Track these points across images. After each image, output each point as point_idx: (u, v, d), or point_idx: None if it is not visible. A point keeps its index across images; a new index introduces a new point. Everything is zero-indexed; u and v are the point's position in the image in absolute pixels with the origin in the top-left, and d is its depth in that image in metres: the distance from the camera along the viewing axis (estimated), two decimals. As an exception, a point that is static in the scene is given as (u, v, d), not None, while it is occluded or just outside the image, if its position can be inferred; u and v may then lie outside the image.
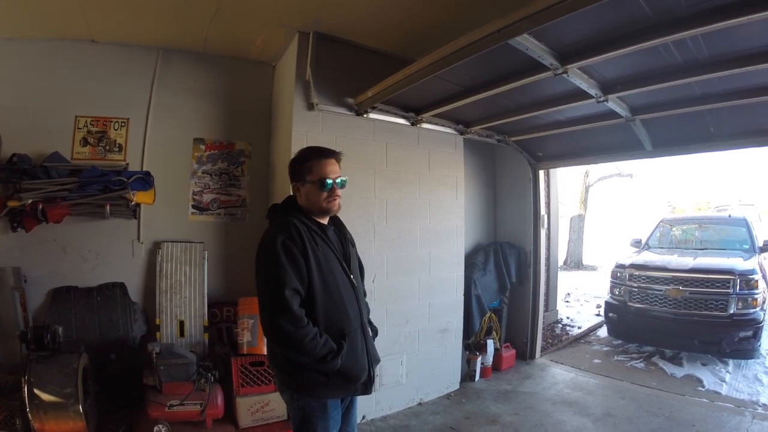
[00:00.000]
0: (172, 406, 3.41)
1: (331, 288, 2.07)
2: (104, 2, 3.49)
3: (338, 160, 2.23)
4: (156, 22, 3.83)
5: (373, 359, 2.23)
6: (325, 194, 2.15)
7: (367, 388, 2.19)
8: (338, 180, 2.19)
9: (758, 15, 2.04)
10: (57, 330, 3.21)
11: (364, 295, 2.53)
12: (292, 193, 2.28)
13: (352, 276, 2.21)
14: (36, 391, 2.97)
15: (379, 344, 2.47)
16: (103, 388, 3.63)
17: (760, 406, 4.29)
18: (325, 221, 2.25)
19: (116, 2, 3.50)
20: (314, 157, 2.18)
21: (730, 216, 8.17)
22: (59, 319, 3.62)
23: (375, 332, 2.49)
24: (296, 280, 1.96)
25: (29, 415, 2.95)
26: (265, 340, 3.66)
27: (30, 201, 3.48)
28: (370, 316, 2.53)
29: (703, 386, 4.81)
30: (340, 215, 2.39)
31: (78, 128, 3.98)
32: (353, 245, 2.42)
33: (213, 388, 3.55)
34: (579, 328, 7.49)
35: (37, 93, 3.85)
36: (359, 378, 2.13)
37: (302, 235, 2.03)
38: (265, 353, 3.72)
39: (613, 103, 3.47)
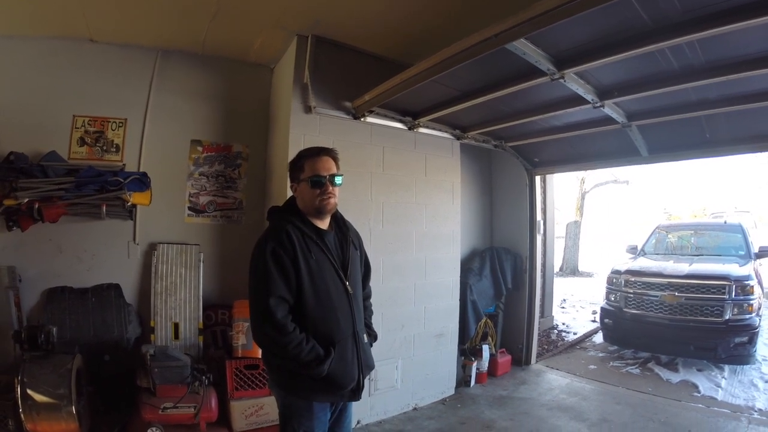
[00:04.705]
0: (166, 409, 3.39)
1: (322, 296, 2.05)
2: (104, 1, 3.49)
3: (333, 158, 2.17)
4: (155, 23, 3.84)
5: (364, 366, 2.18)
6: (317, 191, 2.09)
7: (355, 394, 2.17)
8: (332, 177, 2.12)
9: (754, 21, 2.06)
10: (51, 330, 3.19)
11: (368, 297, 2.49)
12: (293, 195, 2.23)
13: (348, 283, 2.15)
14: (29, 391, 2.94)
15: (375, 349, 2.44)
16: (97, 390, 3.60)
17: (755, 411, 4.30)
18: (324, 225, 2.18)
19: (116, 1, 3.51)
20: (308, 155, 2.16)
21: (725, 222, 8.23)
22: (53, 320, 3.61)
23: (374, 337, 2.44)
24: (284, 288, 1.96)
25: (22, 415, 2.93)
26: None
27: (26, 200, 3.46)
28: (372, 320, 2.51)
29: (699, 392, 4.81)
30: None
31: (75, 128, 3.97)
32: (357, 247, 2.34)
33: (207, 391, 3.53)
34: (575, 334, 7.50)
35: (35, 91, 3.84)
36: (346, 385, 2.10)
37: (294, 242, 2.00)
38: (260, 357, 3.73)
39: (610, 109, 3.49)
